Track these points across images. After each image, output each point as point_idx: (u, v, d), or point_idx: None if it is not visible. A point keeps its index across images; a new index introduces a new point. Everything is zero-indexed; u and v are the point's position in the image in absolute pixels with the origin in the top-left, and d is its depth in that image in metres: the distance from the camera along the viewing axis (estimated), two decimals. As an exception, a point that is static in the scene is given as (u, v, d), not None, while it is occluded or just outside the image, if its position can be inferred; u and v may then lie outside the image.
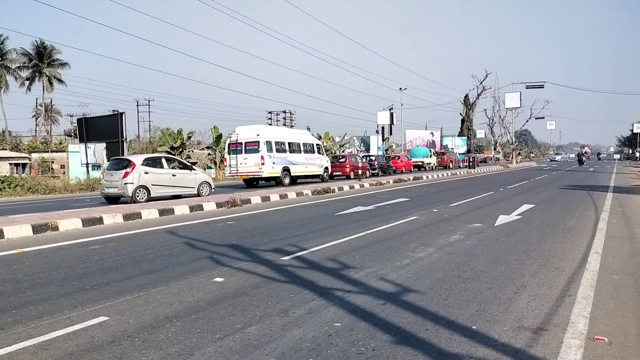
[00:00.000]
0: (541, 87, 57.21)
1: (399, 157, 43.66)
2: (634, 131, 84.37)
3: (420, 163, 45.67)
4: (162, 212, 11.98)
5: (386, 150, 59.84)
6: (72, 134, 59.27)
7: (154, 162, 16.89)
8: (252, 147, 22.79)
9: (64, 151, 45.12)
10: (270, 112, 79.75)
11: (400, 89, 59.07)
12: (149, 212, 11.70)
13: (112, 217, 10.91)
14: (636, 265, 6.74)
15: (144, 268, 6.57)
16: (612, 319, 4.58)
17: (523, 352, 3.77)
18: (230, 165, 23.26)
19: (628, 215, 11.97)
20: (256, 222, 10.79)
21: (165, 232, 9.68)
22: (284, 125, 75.81)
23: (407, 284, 5.74)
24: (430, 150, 50.57)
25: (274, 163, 23.04)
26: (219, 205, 13.55)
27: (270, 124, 69.88)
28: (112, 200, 16.31)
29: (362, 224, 10.42)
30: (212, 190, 18.32)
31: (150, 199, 15.60)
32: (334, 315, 4.60)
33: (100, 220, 10.64)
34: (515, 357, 3.69)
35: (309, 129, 61.07)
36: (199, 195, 17.23)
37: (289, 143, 24.57)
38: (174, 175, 16.89)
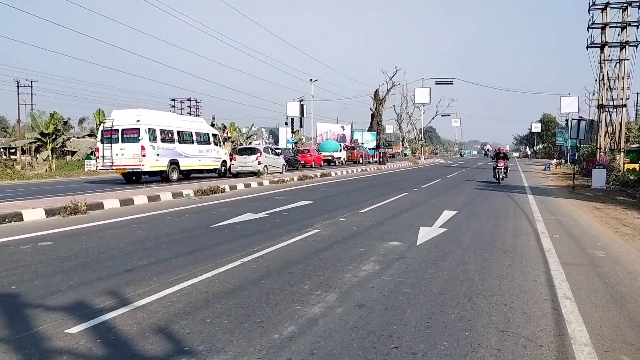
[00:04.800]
0: (450, 83, 57.27)
1: (308, 150, 41.25)
2: (532, 130, 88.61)
3: (330, 157, 43.69)
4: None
5: (296, 143, 57.33)
6: None
7: (266, 150, 25.88)
8: (130, 135, 19.02)
9: None
10: (173, 100, 74.18)
11: (311, 80, 56.62)
12: None
13: None
14: (638, 328, 4.41)
15: None
16: None
17: None
18: (103, 156, 19.29)
19: (567, 227, 10.06)
20: (85, 243, 7.44)
21: None
22: (189, 114, 70.73)
23: (279, 405, 2.91)
24: (340, 145, 48.80)
25: (158, 155, 19.43)
26: (49, 212, 9.88)
27: (173, 112, 64.65)
28: (242, 175, 23.59)
29: (243, 245, 7.50)
30: (285, 169, 27.76)
31: (267, 173, 23.95)
32: None
33: None
34: None
35: (213, 119, 57.16)
36: (281, 172, 26.33)
37: (178, 132, 21.02)
38: (274, 159, 26.25)
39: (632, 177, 21.24)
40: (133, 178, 20.36)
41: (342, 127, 74.16)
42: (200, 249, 7.17)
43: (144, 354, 3.59)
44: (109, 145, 19.14)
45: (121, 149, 19.03)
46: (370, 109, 76.89)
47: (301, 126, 56.99)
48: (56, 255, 6.63)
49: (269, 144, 56.31)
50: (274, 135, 64.97)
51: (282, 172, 26.19)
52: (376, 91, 75.97)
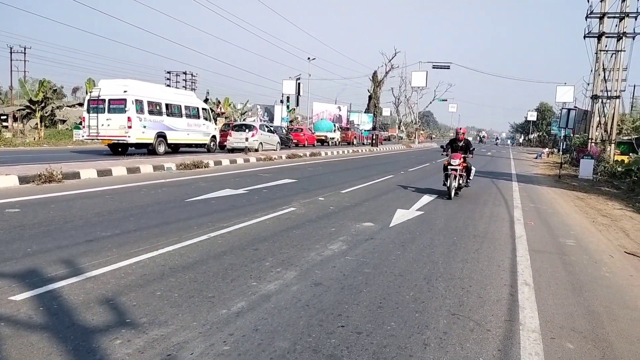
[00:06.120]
0: (447, 67, 56.83)
1: (302, 129, 41.04)
2: (528, 118, 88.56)
3: (323, 137, 43.60)
4: None
5: (291, 121, 56.99)
6: None
7: (261, 127, 26.64)
8: (117, 105, 18.76)
9: None
10: (169, 72, 73.45)
11: (309, 58, 56.24)
12: None
13: None
14: (590, 316, 4.42)
15: None
16: None
17: None
18: (89, 126, 19.06)
19: (544, 215, 10.07)
20: (52, 212, 7.37)
21: None
22: (184, 87, 70.03)
23: (208, 379, 2.89)
24: (334, 125, 48.57)
25: (144, 127, 19.21)
26: (23, 180, 9.78)
27: (168, 85, 64.06)
28: (237, 151, 23.48)
29: (213, 220, 7.44)
30: (280, 147, 27.70)
31: (262, 151, 24.64)
32: None
33: None
34: None
35: (208, 93, 56.70)
36: (276, 150, 26.44)
37: (166, 104, 20.74)
38: (269, 137, 26.82)
39: (619, 169, 21.23)
40: (119, 149, 20.17)
41: (339, 108, 73.76)
42: (168, 222, 7.11)
43: (83, 323, 3.55)
44: (95, 115, 18.89)
45: (107, 120, 18.80)
46: (368, 90, 76.27)
47: (297, 105, 56.54)
48: (20, 222, 6.56)
49: (264, 121, 56.03)
50: (269, 112, 64.53)
51: (276, 150, 26.50)
52: (374, 73, 75.05)
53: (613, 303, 4.85)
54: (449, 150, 11.84)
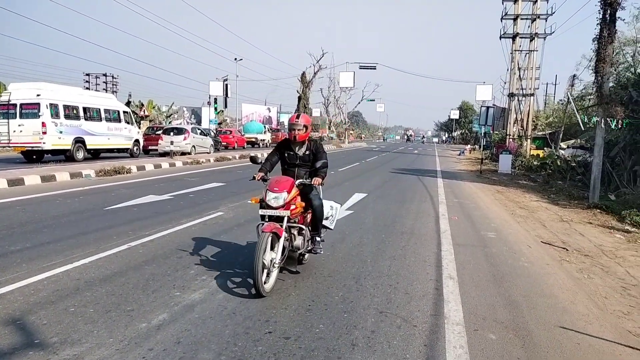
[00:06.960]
0: (373, 68, 58.05)
1: (230, 132, 40.38)
2: (451, 117, 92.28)
3: (254, 139, 43.20)
4: None
5: (219, 124, 55.99)
6: None
7: (194, 130, 25.89)
8: (30, 110, 17.59)
9: None
10: (87, 75, 69.83)
11: (236, 59, 55.39)
12: None
13: None
14: (510, 306, 4.59)
15: None
16: None
17: None
18: (-1, 132, 17.72)
19: (467, 210, 10.45)
20: (-48, 227, 6.75)
21: None
22: (105, 90, 66.94)
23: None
24: (264, 126, 48.28)
25: (61, 132, 18.13)
26: None
27: (87, 88, 60.91)
28: (165, 155, 22.53)
29: (136, 228, 7.10)
30: (213, 150, 27.09)
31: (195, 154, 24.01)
32: None
33: None
34: None
35: (130, 96, 54.60)
36: (209, 153, 25.95)
37: (84, 108, 19.66)
38: (202, 139, 26.04)
39: (535, 163, 22.54)
40: (34, 157, 18.87)
41: (269, 109, 73.48)
42: (85, 232, 6.70)
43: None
44: (6, 121, 17.58)
45: (19, 125, 17.57)
46: (297, 91, 76.36)
47: (226, 106, 55.61)
48: None
49: (192, 124, 54.69)
50: (197, 115, 63.19)
51: (210, 153, 26.09)
52: (303, 74, 75.30)
53: (531, 292, 5.07)
54: (270, 165, 5.30)
